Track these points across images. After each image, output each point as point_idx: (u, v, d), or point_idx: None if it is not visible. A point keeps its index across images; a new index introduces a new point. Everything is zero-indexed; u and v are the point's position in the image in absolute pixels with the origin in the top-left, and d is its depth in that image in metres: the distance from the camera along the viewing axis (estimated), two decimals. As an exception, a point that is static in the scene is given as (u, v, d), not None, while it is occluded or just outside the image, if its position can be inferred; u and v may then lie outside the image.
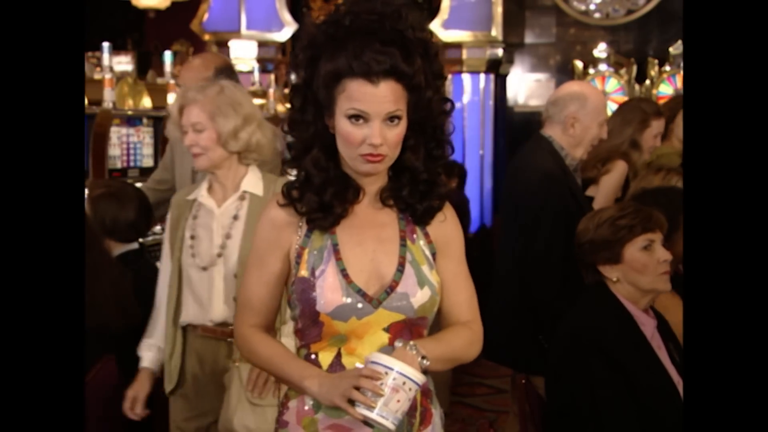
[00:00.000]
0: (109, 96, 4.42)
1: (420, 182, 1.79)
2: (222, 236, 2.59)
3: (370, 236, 1.79)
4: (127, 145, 4.62)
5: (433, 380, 1.86)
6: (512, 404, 3.47)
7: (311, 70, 1.72)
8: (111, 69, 4.47)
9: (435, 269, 1.81)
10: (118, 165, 4.55)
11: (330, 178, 1.76)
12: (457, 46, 7.68)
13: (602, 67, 7.69)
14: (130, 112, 4.74)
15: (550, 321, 2.71)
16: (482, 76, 7.78)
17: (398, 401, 1.64)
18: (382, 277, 1.76)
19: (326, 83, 1.69)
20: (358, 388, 1.64)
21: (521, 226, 3.22)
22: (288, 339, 2.25)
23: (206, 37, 8.22)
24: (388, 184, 1.81)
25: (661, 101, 6.05)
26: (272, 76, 6.98)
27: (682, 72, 7.29)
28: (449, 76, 7.75)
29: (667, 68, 7.56)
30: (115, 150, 4.52)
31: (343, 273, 1.74)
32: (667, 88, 7.43)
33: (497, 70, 7.89)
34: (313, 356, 1.78)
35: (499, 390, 5.37)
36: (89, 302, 1.91)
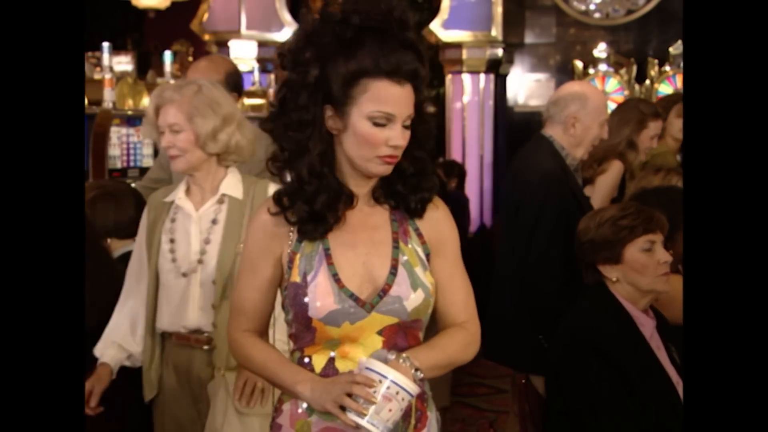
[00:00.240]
0: (109, 96, 4.43)
1: (408, 176, 1.77)
2: (201, 241, 2.48)
3: (362, 239, 1.77)
4: (127, 145, 4.62)
5: (433, 379, 1.83)
6: (512, 404, 3.47)
7: (317, 68, 1.67)
8: (111, 69, 4.48)
9: (429, 270, 1.79)
10: (118, 165, 4.56)
11: (323, 185, 1.72)
12: (457, 46, 7.66)
13: (602, 67, 7.69)
14: (130, 112, 4.74)
15: (550, 321, 2.70)
16: (482, 76, 7.77)
17: (390, 410, 1.62)
18: (375, 280, 1.74)
19: (346, 82, 1.65)
20: (351, 395, 1.63)
21: (521, 226, 3.21)
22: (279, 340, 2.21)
23: (206, 37, 8.23)
24: (378, 182, 1.79)
25: (660, 101, 6.04)
26: (272, 76, 6.99)
27: (682, 72, 7.29)
28: (449, 76, 7.77)
29: (667, 68, 7.56)
30: (115, 150, 4.52)
31: (335, 278, 1.73)
32: (667, 88, 7.42)
33: (497, 70, 7.89)
34: (306, 360, 1.77)
35: (499, 390, 5.37)
36: (89, 302, 1.90)
